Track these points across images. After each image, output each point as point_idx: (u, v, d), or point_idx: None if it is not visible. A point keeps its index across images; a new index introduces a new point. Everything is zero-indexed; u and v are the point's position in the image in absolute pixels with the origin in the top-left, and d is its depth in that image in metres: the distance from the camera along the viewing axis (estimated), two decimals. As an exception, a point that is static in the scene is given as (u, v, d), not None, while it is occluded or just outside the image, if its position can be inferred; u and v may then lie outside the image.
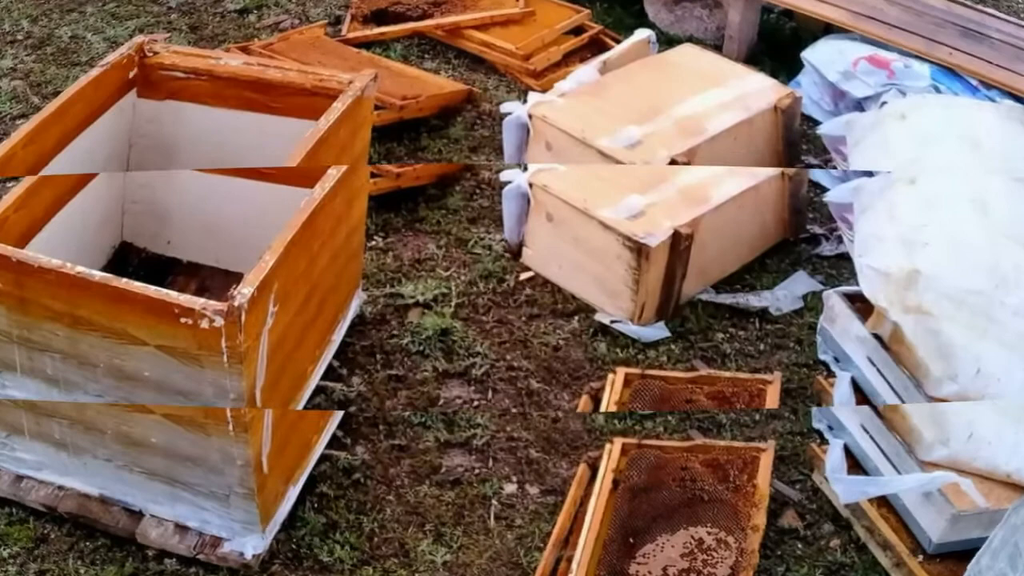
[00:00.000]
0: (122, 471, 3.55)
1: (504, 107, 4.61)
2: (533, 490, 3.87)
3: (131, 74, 4.03)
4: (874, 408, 3.85)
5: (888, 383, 3.79)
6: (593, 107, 4.49)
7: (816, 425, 4.08)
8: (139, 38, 4.08)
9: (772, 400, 3.85)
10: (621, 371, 3.91)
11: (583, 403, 3.88)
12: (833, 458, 3.76)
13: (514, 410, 4.00)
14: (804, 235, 4.81)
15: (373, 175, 4.41)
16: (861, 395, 3.88)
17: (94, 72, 3.87)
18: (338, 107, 3.67)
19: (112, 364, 3.32)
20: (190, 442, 3.35)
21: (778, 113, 4.68)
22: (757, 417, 4.22)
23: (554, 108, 4.40)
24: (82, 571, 3.55)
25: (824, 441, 3.98)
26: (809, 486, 3.98)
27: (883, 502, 3.78)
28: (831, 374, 3.99)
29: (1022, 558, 2.64)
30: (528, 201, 4.37)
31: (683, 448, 3.89)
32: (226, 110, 4.04)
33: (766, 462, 3.77)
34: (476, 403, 3.98)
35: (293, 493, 3.71)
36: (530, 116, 4.38)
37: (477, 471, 3.91)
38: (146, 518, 3.61)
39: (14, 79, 5.73)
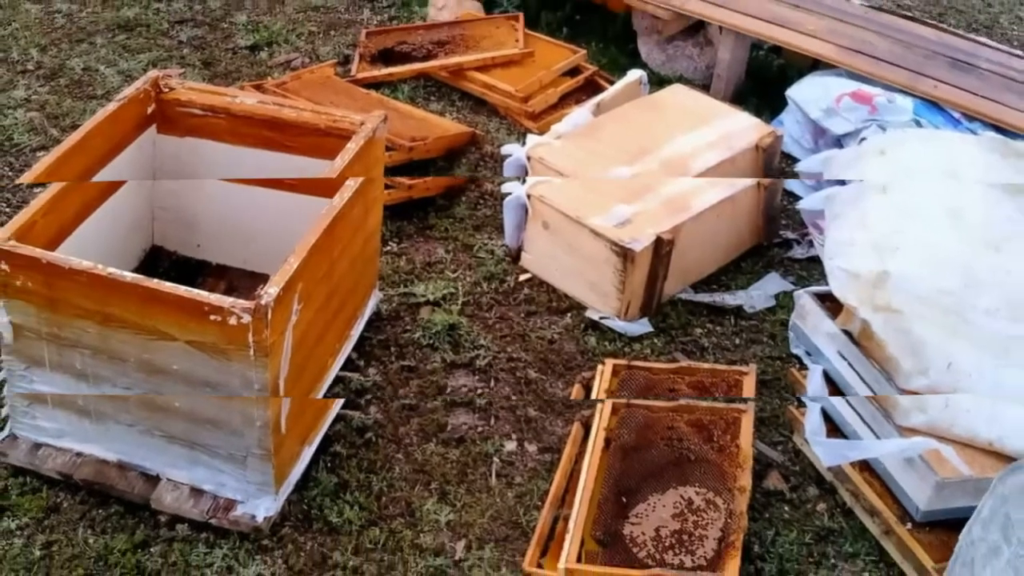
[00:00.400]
0: (143, 436, 3.12)
1: (504, 149, 4.26)
2: (532, 448, 3.44)
3: (149, 109, 3.58)
4: (850, 336, 3.41)
5: (859, 375, 3.40)
6: (587, 150, 4.11)
7: (794, 351, 3.68)
8: (153, 73, 3.64)
9: (748, 389, 3.42)
10: (610, 362, 3.55)
11: (576, 391, 3.51)
12: (812, 421, 3.34)
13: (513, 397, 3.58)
14: (777, 240, 4.43)
15: (387, 187, 4.04)
16: (833, 386, 3.47)
17: (111, 106, 3.43)
18: (352, 147, 3.29)
19: (142, 359, 3.00)
20: (212, 405, 2.95)
21: (759, 151, 4.27)
22: (737, 342, 3.86)
23: (551, 187, 4.00)
24: (91, 541, 3.08)
25: (803, 367, 3.58)
26: (791, 448, 3.55)
27: (865, 466, 3.34)
28: (803, 367, 3.62)
29: (1015, 530, 2.33)
30: (526, 211, 4.06)
31: (669, 370, 3.56)
32: (245, 148, 3.61)
33: (747, 423, 3.32)
34: (480, 390, 3.57)
35: (308, 453, 3.27)
36: (529, 196, 4.00)
37: (480, 429, 3.47)
38: (162, 483, 3.15)
39: (30, 110, 4.90)
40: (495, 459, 3.42)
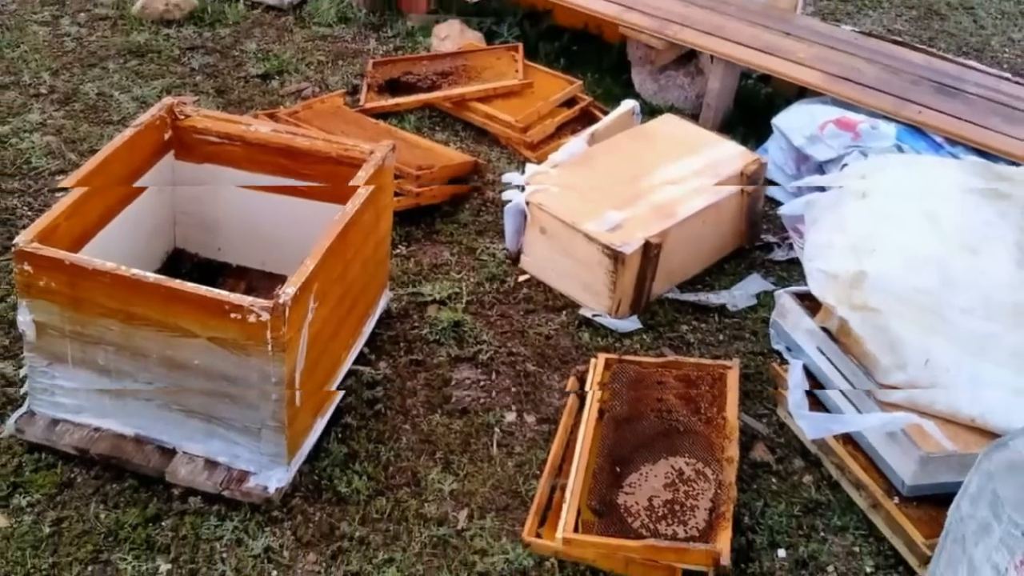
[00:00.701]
0: (162, 410, 3.22)
1: (505, 177, 4.45)
2: (530, 419, 3.59)
3: (166, 136, 3.72)
4: (828, 332, 3.54)
5: (838, 370, 3.52)
6: (582, 177, 4.27)
7: (775, 346, 3.82)
8: (168, 99, 3.77)
9: (732, 382, 3.56)
10: (602, 356, 3.72)
11: (571, 383, 3.65)
12: (795, 396, 3.43)
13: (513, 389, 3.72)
14: (759, 243, 4.60)
15: (396, 194, 4.20)
16: (813, 380, 3.59)
17: (128, 132, 3.56)
18: (362, 175, 3.44)
19: (164, 355, 3.12)
20: (231, 363, 3.06)
21: (744, 178, 4.41)
22: (721, 338, 3.98)
23: (549, 196, 4.17)
24: (102, 516, 3.14)
25: (784, 362, 3.68)
26: (775, 420, 3.67)
27: (849, 440, 3.42)
28: (784, 361, 3.74)
29: (1004, 507, 2.34)
30: (525, 217, 4.24)
31: (658, 364, 3.68)
32: (260, 174, 3.76)
33: (733, 383, 3.48)
34: (482, 382, 3.72)
35: (320, 425, 3.38)
36: (528, 203, 4.18)
37: (482, 401, 3.62)
38: (178, 455, 3.25)
39: (46, 134, 4.88)
40: (496, 429, 3.54)
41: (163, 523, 3.13)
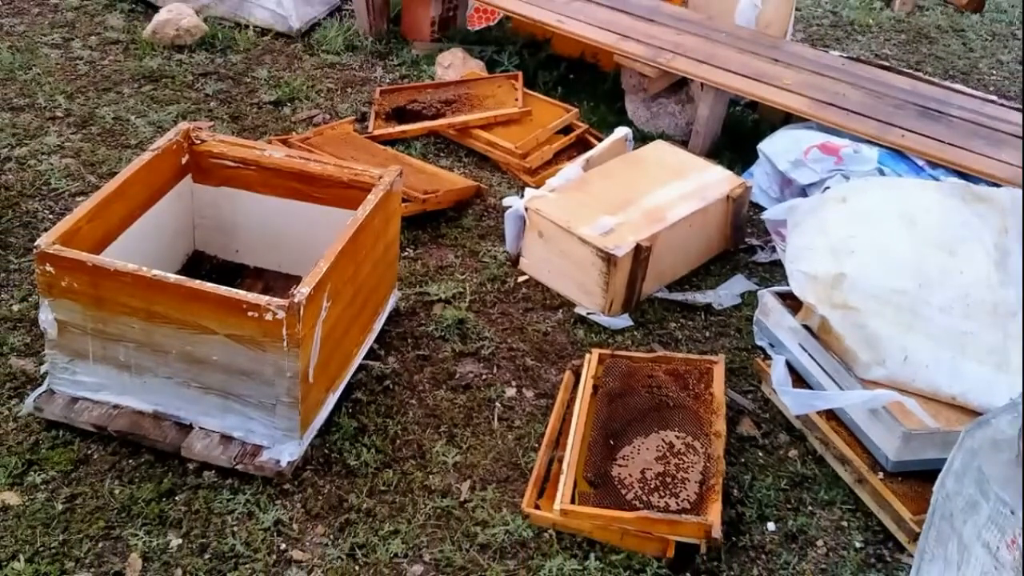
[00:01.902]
0: (180, 387, 3.35)
1: (506, 201, 4.60)
2: (529, 394, 3.75)
3: (183, 160, 3.88)
4: (809, 330, 3.65)
5: (820, 366, 3.66)
6: (577, 200, 4.45)
7: (759, 343, 3.95)
8: (184, 125, 3.91)
9: (718, 376, 3.72)
10: (596, 351, 3.85)
11: (567, 376, 3.80)
12: (778, 372, 3.58)
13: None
14: (743, 246, 4.77)
15: (404, 200, 4.38)
16: (795, 374, 3.72)
17: (146, 156, 3.70)
18: (372, 199, 3.60)
19: (184, 351, 3.26)
20: (248, 358, 3.21)
21: (729, 202, 4.59)
22: (708, 335, 4.10)
23: (546, 202, 4.38)
24: (116, 492, 3.22)
25: (768, 357, 3.79)
26: (760, 396, 3.81)
27: (832, 416, 3.54)
28: (768, 357, 3.89)
29: (990, 484, 2.34)
30: (524, 222, 4.41)
31: (648, 359, 3.77)
32: (276, 198, 3.92)
33: (719, 372, 3.62)
34: (484, 376, 3.86)
35: (332, 400, 3.53)
36: (527, 209, 4.38)
37: (484, 377, 3.79)
38: (194, 431, 3.37)
39: (64, 157, 4.93)
40: (497, 404, 3.70)
41: (176, 498, 3.23)
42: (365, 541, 3.17)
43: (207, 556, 3.11)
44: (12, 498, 3.18)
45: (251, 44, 6.26)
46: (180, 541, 3.12)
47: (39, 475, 3.25)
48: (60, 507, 3.15)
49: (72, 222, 3.34)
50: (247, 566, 3.08)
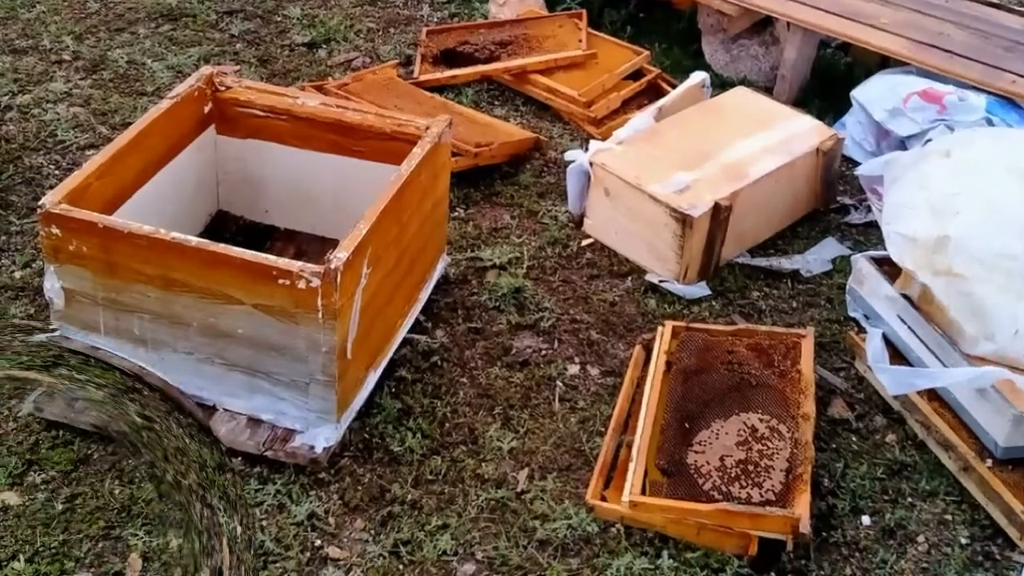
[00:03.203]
0: (202, 364, 3.28)
1: (568, 155, 4.53)
2: (594, 371, 3.67)
3: (206, 109, 3.80)
4: (909, 299, 3.56)
5: (921, 340, 3.55)
6: (647, 154, 4.35)
7: (852, 314, 3.90)
8: (206, 69, 3.82)
9: (807, 352, 3.61)
10: (669, 324, 3.78)
11: (636, 352, 3.71)
12: (874, 347, 3.48)
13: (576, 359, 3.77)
14: (834, 205, 4.66)
15: (454, 154, 4.29)
16: (893, 349, 3.62)
17: (165, 104, 3.62)
18: (418, 152, 3.50)
19: (206, 323, 3.18)
20: (278, 331, 3.12)
21: (819, 156, 4.47)
22: (794, 305, 4.01)
23: (613, 155, 4.29)
24: (116, 492, 3.18)
25: (862, 330, 3.70)
26: (853, 374, 3.71)
27: (934, 396, 3.44)
28: (861, 330, 3.81)
29: None
30: (589, 178, 4.33)
31: (728, 332, 3.72)
32: (309, 151, 3.84)
33: (807, 347, 3.51)
34: (544, 351, 3.78)
35: (373, 379, 3.45)
36: (591, 164, 4.30)
37: (544, 352, 3.70)
38: (218, 413, 3.31)
39: (72, 105, 4.77)
40: (558, 383, 3.62)
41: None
42: (410, 537, 3.12)
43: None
44: (12, 498, 3.18)
45: (282, -23, 6.15)
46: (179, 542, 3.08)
47: (39, 475, 3.24)
48: (60, 507, 3.15)
49: (81, 179, 3.27)
50: (278, 564, 3.02)
